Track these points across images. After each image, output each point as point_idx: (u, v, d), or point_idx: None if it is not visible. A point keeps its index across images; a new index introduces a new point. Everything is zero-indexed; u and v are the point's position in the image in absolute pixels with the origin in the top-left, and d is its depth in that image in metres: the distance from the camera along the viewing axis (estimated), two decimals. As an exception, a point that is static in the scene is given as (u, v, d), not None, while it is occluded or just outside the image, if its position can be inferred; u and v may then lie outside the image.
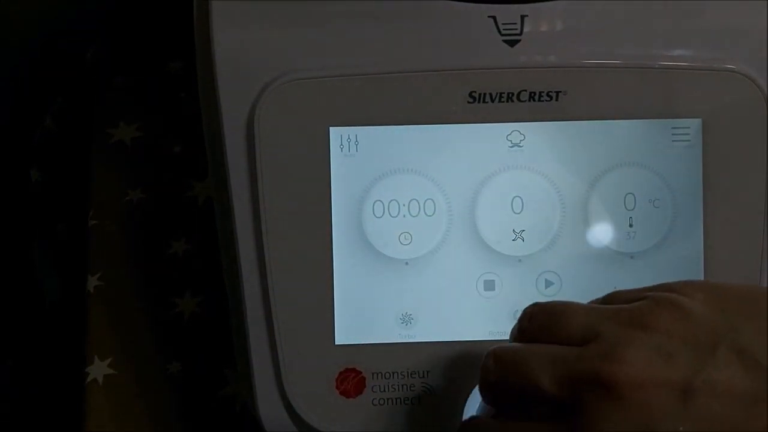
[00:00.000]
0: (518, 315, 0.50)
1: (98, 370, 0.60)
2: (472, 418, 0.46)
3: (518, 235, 0.51)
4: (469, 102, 0.49)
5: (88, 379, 0.60)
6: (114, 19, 0.74)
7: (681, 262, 0.50)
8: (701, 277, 0.50)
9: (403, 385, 0.50)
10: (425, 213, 0.50)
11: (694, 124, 0.50)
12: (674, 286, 0.43)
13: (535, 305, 0.45)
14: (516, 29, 0.49)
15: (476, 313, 0.51)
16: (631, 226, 0.50)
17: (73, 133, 0.73)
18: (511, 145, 0.50)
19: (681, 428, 0.40)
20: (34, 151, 0.75)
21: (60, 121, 0.74)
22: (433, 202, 0.50)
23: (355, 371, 0.51)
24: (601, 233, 0.51)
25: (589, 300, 0.46)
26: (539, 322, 0.44)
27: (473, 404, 0.49)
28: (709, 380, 0.40)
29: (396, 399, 0.51)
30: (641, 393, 0.40)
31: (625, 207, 0.50)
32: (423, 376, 0.50)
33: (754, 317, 0.42)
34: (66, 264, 0.75)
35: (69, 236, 0.75)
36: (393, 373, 0.50)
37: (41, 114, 0.74)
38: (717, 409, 0.40)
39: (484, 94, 0.49)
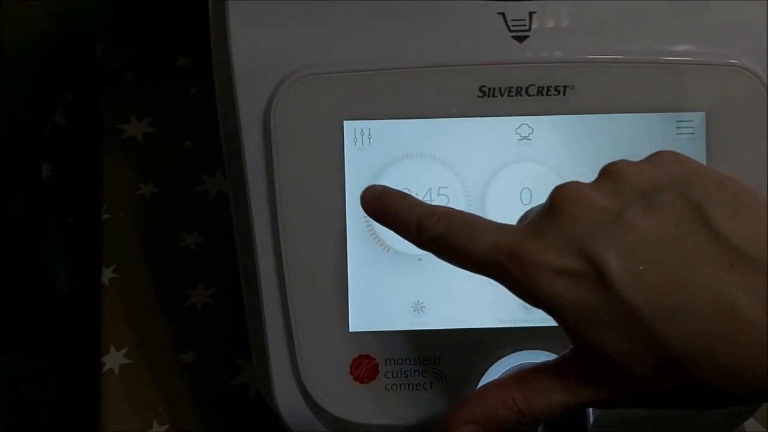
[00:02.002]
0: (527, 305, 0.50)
1: (114, 360, 0.61)
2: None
3: (527, 226, 0.52)
4: (479, 96, 0.50)
5: (104, 369, 0.60)
6: (123, 15, 0.74)
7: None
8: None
9: (414, 371, 0.51)
10: (436, 203, 0.51)
11: (697, 118, 0.51)
12: (658, 152, 0.44)
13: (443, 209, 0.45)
14: (524, 25, 0.50)
15: (486, 301, 0.51)
16: (636, 217, 0.51)
17: (83, 128, 0.74)
18: (519, 138, 0.51)
19: (612, 246, 0.40)
20: (44, 147, 0.75)
21: (70, 116, 0.75)
22: (444, 193, 0.51)
23: (368, 358, 0.51)
24: (608, 224, 0.52)
25: None
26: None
27: (484, 390, 0.50)
28: (643, 213, 0.41)
29: (408, 384, 0.51)
30: (579, 209, 0.41)
31: (631, 198, 0.51)
32: (434, 363, 0.51)
33: (717, 185, 0.42)
34: (77, 257, 0.75)
35: (79, 230, 0.75)
36: (405, 359, 0.51)
37: (52, 110, 0.75)
38: (644, 238, 0.40)
39: (494, 88, 0.50)
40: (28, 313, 0.79)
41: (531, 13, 0.50)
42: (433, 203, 0.51)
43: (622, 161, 0.44)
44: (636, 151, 0.51)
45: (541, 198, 0.50)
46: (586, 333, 0.41)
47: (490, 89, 0.50)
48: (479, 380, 0.50)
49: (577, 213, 0.42)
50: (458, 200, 0.51)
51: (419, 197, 0.51)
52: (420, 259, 0.51)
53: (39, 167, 0.75)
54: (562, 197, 0.42)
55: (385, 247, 0.51)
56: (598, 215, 0.41)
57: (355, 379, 0.51)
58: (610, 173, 0.43)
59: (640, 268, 0.40)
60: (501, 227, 0.44)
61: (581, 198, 0.42)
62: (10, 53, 0.74)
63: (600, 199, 0.42)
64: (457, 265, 0.44)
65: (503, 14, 0.50)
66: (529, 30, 0.50)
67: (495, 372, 0.50)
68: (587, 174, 0.51)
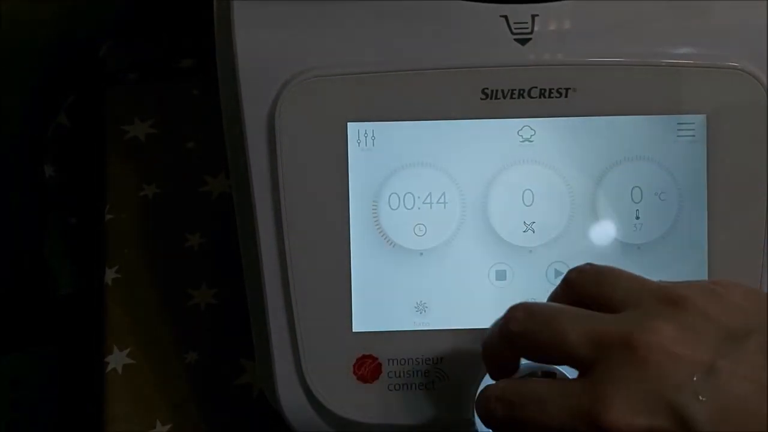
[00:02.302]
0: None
1: (117, 359, 0.61)
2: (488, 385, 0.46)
3: (529, 227, 0.52)
4: (481, 98, 0.50)
5: (108, 369, 0.60)
6: (127, 16, 0.74)
7: (686, 252, 0.51)
8: (705, 268, 0.51)
9: (417, 371, 0.52)
10: (439, 205, 0.52)
11: (698, 120, 0.51)
12: (718, 280, 0.44)
13: (588, 264, 0.45)
14: (527, 28, 0.50)
15: (488, 301, 0.52)
16: (637, 218, 0.52)
17: (86, 129, 0.74)
18: (522, 140, 0.52)
19: (701, 397, 0.40)
20: (47, 147, 0.75)
21: (73, 117, 0.75)
22: (447, 194, 0.51)
23: (371, 357, 0.52)
24: (609, 225, 0.52)
25: None
26: (587, 277, 0.45)
27: (486, 389, 0.50)
28: (734, 364, 0.41)
29: (410, 384, 0.52)
30: (664, 361, 0.41)
31: (632, 200, 0.52)
32: (437, 363, 0.52)
33: None
34: (79, 257, 0.75)
35: (82, 230, 0.75)
36: (408, 359, 0.52)
37: (55, 110, 0.75)
38: (735, 393, 0.40)
39: (497, 90, 0.50)
40: (30, 313, 0.79)
41: (533, 16, 0.50)
42: (435, 204, 0.51)
43: (690, 291, 0.43)
44: (637, 153, 0.51)
45: (543, 199, 0.51)
46: None
47: (492, 91, 0.50)
48: (482, 380, 0.50)
49: (663, 366, 0.41)
50: (461, 201, 0.52)
51: (421, 199, 0.51)
52: (421, 254, 0.52)
53: (42, 167, 0.75)
54: (646, 347, 0.41)
55: (389, 243, 0.51)
56: (687, 369, 0.41)
57: (358, 378, 0.52)
58: (684, 308, 0.42)
59: (730, 420, 0.40)
60: (567, 389, 0.42)
61: (666, 350, 0.41)
62: (14, 53, 0.74)
63: (686, 349, 0.41)
64: None
65: (506, 17, 0.50)
66: (531, 33, 0.50)
67: (497, 372, 0.50)
68: (589, 176, 0.51)
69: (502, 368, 0.47)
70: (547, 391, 0.43)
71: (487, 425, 0.45)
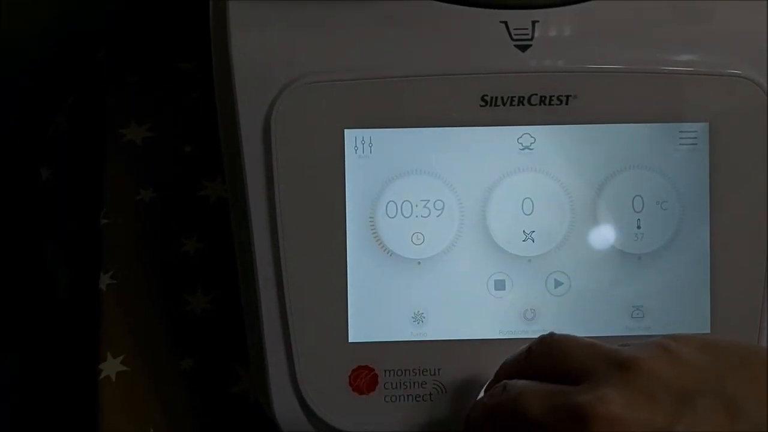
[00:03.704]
0: (528, 315, 0.51)
1: (111, 367, 0.60)
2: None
3: (528, 236, 0.51)
4: (481, 105, 0.50)
5: (101, 376, 0.60)
6: (125, 19, 0.74)
7: (688, 262, 0.51)
8: (707, 278, 0.51)
9: (414, 383, 0.51)
10: (437, 214, 0.51)
11: (700, 128, 0.51)
12: (675, 335, 0.44)
13: (549, 335, 0.46)
14: (527, 34, 0.50)
15: (487, 312, 0.51)
16: (639, 227, 0.51)
17: (84, 132, 0.73)
18: (521, 147, 0.51)
19: None
20: (45, 150, 0.75)
21: (71, 119, 0.75)
22: (445, 203, 0.51)
23: (367, 368, 0.51)
24: (610, 234, 0.51)
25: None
26: (545, 349, 0.46)
27: (484, 401, 0.50)
28: (690, 426, 0.41)
29: (407, 396, 0.51)
30: (618, 430, 0.41)
31: (633, 209, 0.51)
32: (434, 374, 0.51)
33: (744, 368, 0.42)
34: (76, 261, 0.75)
35: (79, 234, 0.75)
36: (405, 370, 0.51)
37: (53, 112, 0.75)
38: None
39: (496, 97, 0.50)
40: (27, 316, 0.79)
41: (534, 22, 0.50)
42: (433, 212, 0.51)
43: (641, 352, 0.43)
44: (638, 162, 0.51)
45: (543, 208, 0.51)
46: None
47: (492, 98, 0.50)
48: (479, 392, 0.50)
49: None
50: (459, 209, 0.51)
51: (419, 207, 0.51)
52: (419, 263, 0.51)
53: (39, 170, 0.75)
54: (597, 418, 0.41)
55: (387, 251, 0.51)
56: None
57: (354, 389, 0.51)
58: (635, 372, 0.43)
59: None
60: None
61: (617, 419, 0.41)
62: (13, 55, 0.74)
63: (640, 415, 0.41)
64: None
65: (506, 23, 0.50)
66: (531, 39, 0.50)
67: (495, 383, 0.49)
68: (590, 184, 0.51)
69: None
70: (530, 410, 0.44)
71: None
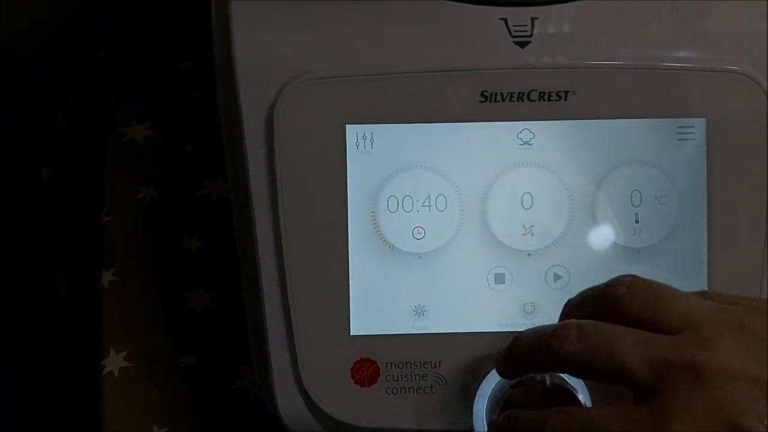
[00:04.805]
0: (527, 308, 0.51)
1: (114, 362, 0.61)
2: (559, 409, 0.44)
3: (528, 230, 0.52)
4: (481, 101, 0.50)
5: (104, 372, 0.60)
6: (126, 19, 0.74)
7: (685, 257, 0.51)
8: (705, 271, 0.51)
9: (415, 375, 0.52)
10: (438, 208, 0.51)
11: (698, 124, 0.51)
12: (760, 299, 0.45)
13: (634, 277, 0.45)
14: (526, 31, 0.50)
15: (487, 305, 0.52)
16: (637, 222, 0.52)
17: (84, 131, 0.74)
18: (521, 143, 0.51)
19: (766, 421, 0.40)
20: (45, 149, 0.75)
21: (71, 119, 0.75)
22: (446, 197, 0.51)
23: (369, 361, 0.52)
24: (608, 229, 0.52)
25: None
26: (640, 297, 0.44)
27: (484, 393, 0.50)
28: None
29: (409, 388, 0.52)
30: (731, 384, 0.41)
31: (632, 203, 0.52)
32: (435, 366, 0.52)
33: None
34: (76, 261, 0.75)
35: (79, 234, 0.75)
36: (406, 363, 0.51)
37: (53, 112, 0.75)
38: None
39: (496, 93, 0.50)
40: (27, 315, 0.79)
41: (533, 19, 0.50)
42: (434, 207, 0.51)
43: (743, 314, 0.43)
44: (637, 157, 0.51)
45: (542, 203, 0.51)
46: None
47: (492, 94, 0.50)
48: (480, 384, 0.50)
49: (727, 389, 0.41)
50: (459, 204, 0.52)
51: (420, 201, 0.51)
52: (420, 257, 0.52)
53: (39, 170, 0.75)
54: (710, 370, 0.41)
55: (388, 246, 0.51)
56: (751, 392, 0.41)
57: (356, 382, 0.52)
58: (742, 330, 0.42)
59: None
60: (629, 417, 0.42)
61: (729, 373, 0.41)
62: (13, 55, 0.74)
63: (749, 372, 0.41)
64: None
65: (505, 20, 0.50)
66: (530, 36, 0.50)
67: (496, 376, 0.50)
68: (588, 179, 0.51)
69: (523, 373, 0.47)
70: (606, 421, 0.43)
71: None
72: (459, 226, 0.52)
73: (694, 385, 0.41)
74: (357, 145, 0.51)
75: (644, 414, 0.42)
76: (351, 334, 0.51)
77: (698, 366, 0.42)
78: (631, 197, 0.52)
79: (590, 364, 0.43)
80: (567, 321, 0.45)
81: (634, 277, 0.45)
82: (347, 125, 0.50)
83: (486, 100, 0.50)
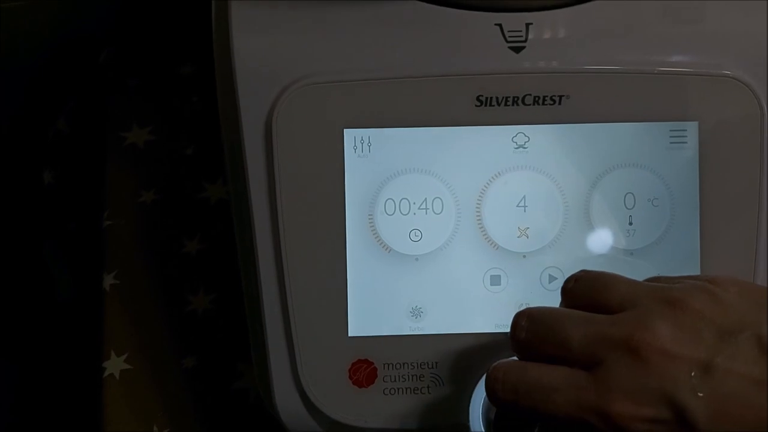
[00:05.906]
0: (523, 308, 0.51)
1: (115, 365, 0.61)
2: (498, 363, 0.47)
3: (523, 233, 0.52)
4: (476, 105, 0.51)
5: (105, 374, 0.61)
6: (127, 23, 0.75)
7: (678, 258, 0.52)
8: (698, 273, 0.52)
9: (412, 376, 0.52)
10: (434, 211, 0.52)
11: (691, 127, 0.51)
12: (712, 277, 0.46)
13: (584, 271, 0.48)
14: (521, 36, 0.51)
15: (483, 306, 0.52)
16: (630, 224, 0.52)
17: (86, 134, 0.74)
18: (516, 146, 0.52)
19: (699, 393, 0.42)
20: (46, 153, 0.75)
21: (72, 122, 0.75)
22: (442, 200, 0.52)
23: (367, 362, 0.52)
24: (602, 231, 0.52)
25: None
26: (587, 285, 0.47)
27: (480, 393, 0.50)
28: (729, 360, 0.43)
29: (406, 389, 0.52)
30: (664, 360, 0.43)
31: (625, 206, 0.52)
32: (432, 367, 0.52)
33: None
34: (78, 263, 0.76)
35: (80, 236, 0.75)
36: (403, 364, 0.52)
37: (54, 115, 0.75)
38: (731, 388, 0.42)
39: (491, 97, 0.51)
40: (29, 318, 0.79)
41: (527, 24, 0.51)
42: (430, 210, 0.52)
43: (685, 293, 0.45)
44: (630, 160, 0.52)
45: (537, 205, 0.52)
46: None
47: (487, 98, 0.51)
48: (477, 384, 0.51)
49: (662, 365, 0.43)
50: (455, 207, 0.52)
51: (417, 204, 0.52)
52: (417, 259, 0.52)
53: (41, 173, 0.75)
54: (646, 346, 0.43)
55: (385, 248, 0.52)
56: (685, 367, 0.43)
57: (354, 383, 0.52)
58: (680, 308, 0.44)
59: (727, 414, 0.42)
60: (573, 380, 0.44)
61: (664, 349, 0.43)
62: (14, 58, 0.74)
63: (683, 348, 0.43)
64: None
65: (500, 25, 0.51)
66: (525, 41, 0.51)
67: (492, 376, 0.50)
68: (583, 182, 0.52)
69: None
70: (552, 381, 0.45)
71: (493, 404, 0.47)
72: (455, 228, 0.52)
73: (631, 359, 0.43)
74: (355, 149, 0.51)
75: (587, 380, 0.44)
76: (349, 335, 0.52)
77: (635, 342, 0.44)
78: (624, 200, 0.52)
79: (538, 346, 0.46)
80: (521, 310, 0.47)
81: (584, 271, 0.48)
82: (345, 129, 0.51)
83: (481, 105, 0.51)
